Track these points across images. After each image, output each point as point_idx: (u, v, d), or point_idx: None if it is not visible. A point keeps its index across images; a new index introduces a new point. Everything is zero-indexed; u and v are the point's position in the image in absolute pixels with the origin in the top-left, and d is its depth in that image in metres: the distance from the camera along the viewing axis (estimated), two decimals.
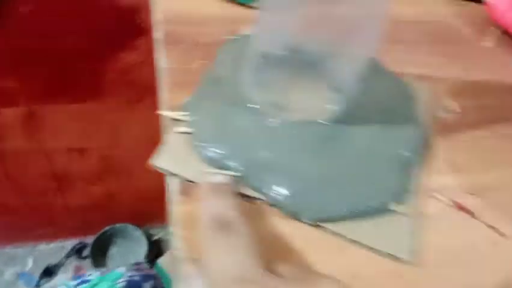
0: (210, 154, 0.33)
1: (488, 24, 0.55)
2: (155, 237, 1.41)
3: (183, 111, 0.37)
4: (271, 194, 0.32)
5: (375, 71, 0.41)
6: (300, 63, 0.34)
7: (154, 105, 1.11)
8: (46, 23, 0.83)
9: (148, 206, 1.35)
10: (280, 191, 0.32)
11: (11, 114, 0.98)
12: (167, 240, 1.41)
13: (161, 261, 1.34)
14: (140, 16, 0.86)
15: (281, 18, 0.32)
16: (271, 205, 0.32)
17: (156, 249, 1.37)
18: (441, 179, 0.37)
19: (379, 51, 0.35)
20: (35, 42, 0.86)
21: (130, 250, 1.34)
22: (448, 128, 0.41)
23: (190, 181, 0.33)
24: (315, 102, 0.36)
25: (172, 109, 0.37)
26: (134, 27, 0.88)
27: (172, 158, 0.34)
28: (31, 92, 0.95)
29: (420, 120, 0.40)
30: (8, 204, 1.21)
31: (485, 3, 0.55)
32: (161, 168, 0.33)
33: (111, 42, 0.90)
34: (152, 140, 1.22)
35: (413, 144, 0.36)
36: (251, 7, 0.49)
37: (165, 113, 0.37)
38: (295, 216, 0.31)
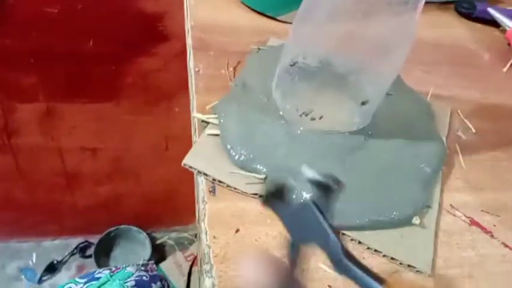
0: (238, 156, 0.35)
1: (507, 51, 0.57)
2: (159, 241, 1.41)
3: (213, 113, 0.38)
4: (295, 197, 0.33)
5: (399, 88, 0.43)
6: (330, 76, 0.35)
7: (167, 110, 1.13)
8: (70, 25, 0.85)
9: (153, 210, 1.36)
10: (304, 195, 0.33)
11: (29, 110, 1.00)
12: (170, 245, 1.42)
13: (164, 265, 1.35)
14: (163, 23, 0.89)
15: (315, 32, 0.33)
16: None
17: (159, 253, 1.37)
18: (459, 197, 0.38)
19: (403, 69, 0.36)
20: (58, 43, 0.88)
21: (133, 252, 1.34)
22: (466, 148, 0.42)
23: (219, 181, 0.34)
24: (341, 114, 0.37)
25: (202, 112, 0.39)
26: (156, 34, 0.90)
27: (203, 158, 0.35)
28: (50, 90, 0.97)
29: (440, 137, 0.41)
30: (16, 199, 1.22)
31: (506, 31, 0.57)
32: (192, 167, 0.34)
33: (132, 46, 0.92)
34: (161, 145, 1.23)
35: (434, 161, 0.38)
36: (278, 20, 0.50)
37: (196, 115, 0.38)
38: None
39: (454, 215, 0.36)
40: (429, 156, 0.38)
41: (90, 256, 1.30)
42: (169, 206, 1.35)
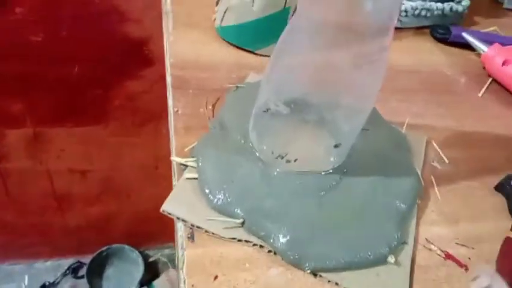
0: (216, 200, 0.35)
1: (482, 75, 0.58)
2: (151, 259, 1.41)
3: (191, 156, 0.39)
4: (272, 241, 0.34)
5: (375, 121, 0.44)
6: (303, 118, 0.36)
7: (155, 131, 1.14)
8: (56, 52, 0.86)
9: (144, 228, 1.36)
10: (281, 239, 0.34)
11: (17, 135, 1.00)
12: (163, 262, 1.42)
13: (157, 283, 1.35)
14: (148, 47, 0.89)
15: (290, 66, 0.34)
16: (273, 252, 0.34)
17: (152, 271, 1.37)
18: (435, 230, 0.39)
19: (378, 100, 0.37)
20: (44, 69, 0.89)
21: (126, 271, 1.34)
22: (441, 179, 0.43)
23: (198, 226, 0.34)
24: (316, 156, 0.38)
25: (180, 154, 0.39)
26: (141, 58, 0.91)
27: (181, 203, 0.36)
28: (37, 115, 0.97)
29: (415, 171, 0.42)
30: (7, 222, 1.22)
31: (480, 55, 0.58)
32: (170, 214, 0.35)
33: (118, 70, 0.93)
34: (151, 165, 1.24)
35: (409, 196, 0.38)
36: (257, 54, 0.51)
37: (175, 159, 0.39)
38: (295, 264, 0.33)
39: (430, 249, 0.37)
40: (404, 192, 0.38)
41: (82, 277, 1.30)
42: (160, 224, 1.35)
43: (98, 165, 1.12)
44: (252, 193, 0.36)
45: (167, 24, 0.53)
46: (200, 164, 0.38)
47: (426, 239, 0.38)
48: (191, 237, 0.34)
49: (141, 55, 0.91)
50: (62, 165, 1.10)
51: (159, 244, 1.43)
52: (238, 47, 0.52)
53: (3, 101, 0.93)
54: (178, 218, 0.35)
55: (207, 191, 0.36)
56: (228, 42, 0.52)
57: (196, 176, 0.37)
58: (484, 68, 0.58)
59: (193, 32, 0.53)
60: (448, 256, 0.37)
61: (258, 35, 0.50)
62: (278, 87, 0.36)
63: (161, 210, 0.36)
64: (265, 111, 0.36)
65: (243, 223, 0.35)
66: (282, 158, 0.37)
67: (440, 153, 0.45)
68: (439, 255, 0.37)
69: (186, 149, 0.40)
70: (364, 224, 0.36)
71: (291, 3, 0.48)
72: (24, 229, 1.25)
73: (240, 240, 0.34)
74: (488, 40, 0.58)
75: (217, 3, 0.51)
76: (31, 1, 0.78)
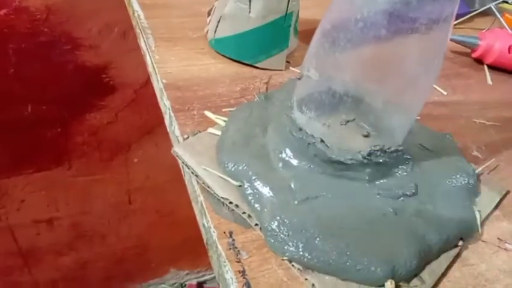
0: (226, 161, 0.33)
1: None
2: None
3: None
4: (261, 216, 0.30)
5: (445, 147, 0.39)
6: (352, 106, 0.31)
7: (125, 163, 1.05)
8: (3, 92, 0.76)
9: (124, 269, 1.26)
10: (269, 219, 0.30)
11: None
12: None
13: None
14: (107, 74, 0.81)
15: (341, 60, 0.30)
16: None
17: None
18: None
19: None
20: None
21: None
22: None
23: (196, 175, 0.32)
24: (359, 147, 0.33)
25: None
26: (101, 86, 0.83)
27: (192, 150, 0.34)
28: None
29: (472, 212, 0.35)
30: None
31: (473, 50, 0.55)
32: (178, 156, 0.34)
33: (77, 104, 0.84)
34: (124, 200, 1.14)
35: (449, 232, 0.32)
36: (258, 67, 0.46)
37: (208, 113, 0.36)
38: (275, 249, 0.30)
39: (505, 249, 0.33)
40: (445, 226, 0.33)
41: None
42: (141, 261, 1.26)
43: (65, 210, 1.01)
44: (261, 162, 0.33)
45: (147, 42, 0.46)
46: (227, 123, 0.36)
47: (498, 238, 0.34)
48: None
49: (100, 83, 0.83)
50: (24, 217, 0.98)
51: (141, 283, 1.33)
52: (235, 61, 0.46)
53: None
54: (183, 163, 0.33)
55: (222, 148, 0.34)
56: (223, 56, 0.46)
57: (219, 133, 0.36)
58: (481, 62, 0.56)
59: (180, 48, 0.46)
60: None
61: (258, 45, 0.44)
62: (328, 76, 0.31)
63: (172, 151, 0.34)
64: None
65: (239, 186, 0.32)
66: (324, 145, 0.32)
67: None
68: None
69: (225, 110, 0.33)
70: (377, 239, 0.30)
71: (293, 7, 0.43)
72: None
73: (231, 203, 0.31)
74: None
75: (209, 14, 0.45)
76: None
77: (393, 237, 0.30)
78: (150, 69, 0.45)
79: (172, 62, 0.45)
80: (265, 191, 0.31)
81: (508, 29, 0.53)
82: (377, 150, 0.32)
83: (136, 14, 0.49)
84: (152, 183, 1.04)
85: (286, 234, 0.29)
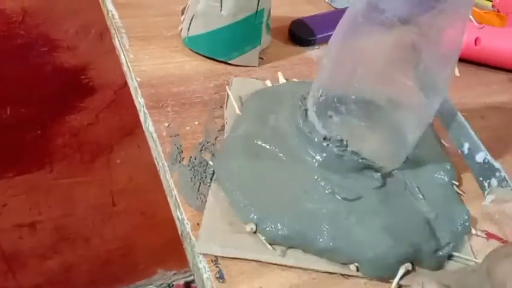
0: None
1: None
2: None
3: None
4: None
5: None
6: (369, 110, 0.32)
7: (107, 164, 1.05)
8: None
9: (109, 271, 1.25)
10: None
11: None
12: None
13: None
14: (86, 75, 0.81)
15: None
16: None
17: None
18: None
19: None
20: None
21: None
22: None
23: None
24: (380, 149, 0.34)
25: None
26: (81, 88, 0.83)
27: (215, 237, 0.30)
28: None
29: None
30: None
31: None
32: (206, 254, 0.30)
33: (56, 105, 0.84)
34: (107, 202, 1.14)
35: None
36: (231, 64, 0.46)
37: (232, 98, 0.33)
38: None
39: None
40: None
41: None
42: (127, 263, 1.25)
43: (48, 214, 1.01)
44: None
45: (122, 42, 0.47)
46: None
47: None
48: (220, 277, 0.29)
49: (80, 84, 0.83)
50: (6, 222, 0.97)
51: (128, 284, 1.33)
52: (209, 58, 0.46)
53: None
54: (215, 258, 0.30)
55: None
56: (198, 53, 0.47)
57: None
58: None
59: (154, 46, 0.47)
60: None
61: (230, 42, 0.45)
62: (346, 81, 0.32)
63: (197, 252, 0.30)
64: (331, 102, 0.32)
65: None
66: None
67: None
68: None
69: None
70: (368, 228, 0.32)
71: (264, 4, 0.44)
72: None
73: None
74: None
75: (182, 12, 0.46)
76: None
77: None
78: (125, 68, 0.46)
79: (146, 60, 0.45)
80: None
81: (475, 22, 0.55)
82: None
83: (110, 14, 0.50)
84: (135, 184, 1.04)
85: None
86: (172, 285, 1.40)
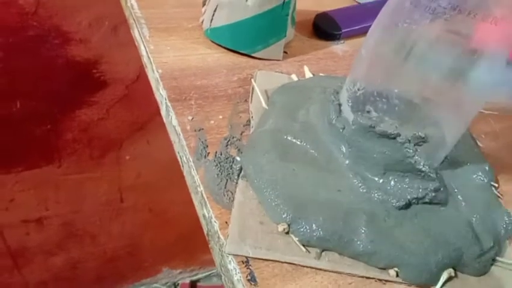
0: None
1: None
2: None
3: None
4: None
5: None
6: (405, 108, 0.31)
7: (117, 160, 1.03)
8: None
9: (116, 269, 1.24)
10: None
11: None
12: None
13: None
14: (98, 69, 0.80)
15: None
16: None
17: None
18: None
19: None
20: None
21: None
22: None
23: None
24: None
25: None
26: (92, 82, 0.81)
27: (244, 237, 0.29)
28: None
29: None
30: None
31: None
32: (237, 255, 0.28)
33: (66, 100, 0.82)
34: (116, 198, 1.12)
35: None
36: (254, 57, 0.45)
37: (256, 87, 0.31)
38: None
39: None
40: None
41: None
42: (133, 261, 1.24)
43: (55, 209, 0.99)
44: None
45: (142, 32, 0.45)
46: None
47: None
48: (251, 279, 0.27)
49: (91, 78, 0.81)
50: (13, 217, 0.96)
51: (133, 283, 1.32)
52: (232, 51, 0.45)
53: None
54: (246, 259, 0.28)
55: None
56: (220, 46, 0.45)
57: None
58: None
59: (175, 38, 0.45)
60: None
61: (255, 35, 0.43)
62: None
63: (226, 252, 0.28)
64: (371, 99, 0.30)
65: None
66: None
67: None
68: None
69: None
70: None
71: None
72: None
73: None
74: None
75: (204, 3, 0.44)
76: None
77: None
78: (145, 59, 0.44)
79: (167, 52, 0.43)
80: None
81: None
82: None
83: (129, 4, 0.48)
84: (144, 180, 1.03)
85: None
86: (178, 284, 1.39)
